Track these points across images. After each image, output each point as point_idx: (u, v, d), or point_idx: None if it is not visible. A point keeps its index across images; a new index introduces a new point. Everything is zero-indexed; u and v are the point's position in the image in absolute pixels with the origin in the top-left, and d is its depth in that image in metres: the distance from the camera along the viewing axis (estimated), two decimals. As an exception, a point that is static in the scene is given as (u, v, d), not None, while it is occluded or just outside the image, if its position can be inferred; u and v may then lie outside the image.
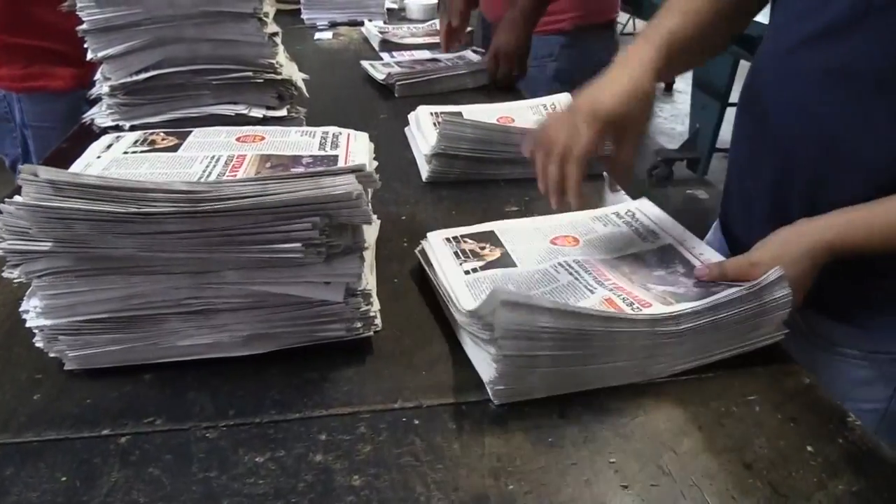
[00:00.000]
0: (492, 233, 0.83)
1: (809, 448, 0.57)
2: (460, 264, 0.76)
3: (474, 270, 0.75)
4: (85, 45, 0.99)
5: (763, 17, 0.86)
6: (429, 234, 0.82)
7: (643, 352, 0.62)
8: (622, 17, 2.58)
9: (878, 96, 0.69)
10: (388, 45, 1.87)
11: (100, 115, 1.03)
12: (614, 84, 0.72)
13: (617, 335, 0.60)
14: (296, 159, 0.68)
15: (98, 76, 1.03)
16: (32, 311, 0.62)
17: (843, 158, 0.73)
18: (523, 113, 1.23)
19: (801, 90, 0.75)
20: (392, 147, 1.20)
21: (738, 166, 0.91)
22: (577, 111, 0.71)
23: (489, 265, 0.76)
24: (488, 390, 0.62)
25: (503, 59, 1.58)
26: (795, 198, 0.78)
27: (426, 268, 0.79)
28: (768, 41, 0.82)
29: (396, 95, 1.51)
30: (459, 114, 1.21)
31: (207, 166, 0.66)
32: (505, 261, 0.77)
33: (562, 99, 1.25)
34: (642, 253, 0.79)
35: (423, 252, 0.81)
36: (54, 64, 0.93)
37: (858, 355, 0.80)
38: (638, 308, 0.64)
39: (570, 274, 0.73)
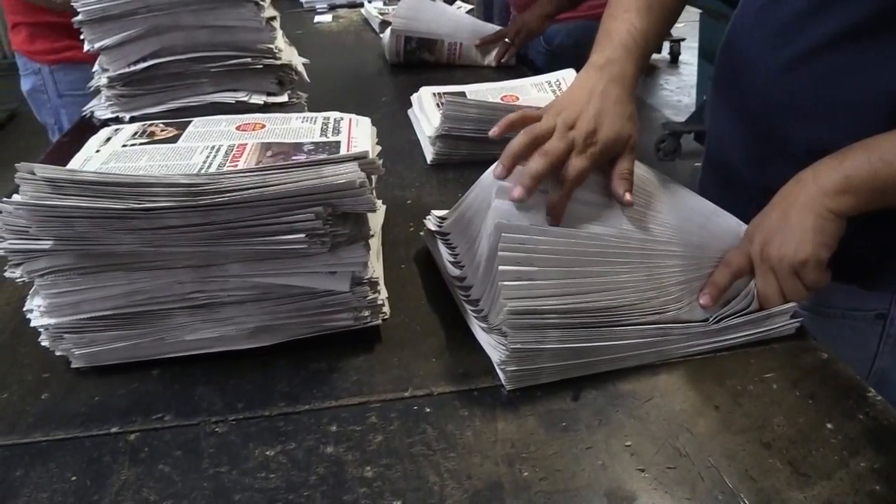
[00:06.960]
0: None
1: (829, 425, 0.56)
2: None
3: None
4: (81, 37, 0.98)
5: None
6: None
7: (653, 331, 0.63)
8: None
9: (841, 43, 0.70)
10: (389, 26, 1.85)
11: (99, 108, 1.02)
12: (617, 106, 0.69)
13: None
14: (297, 147, 0.67)
15: (96, 67, 1.02)
16: (36, 310, 0.61)
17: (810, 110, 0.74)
18: (528, 91, 1.22)
19: (767, 43, 0.78)
20: (395, 129, 1.19)
21: (714, 133, 0.92)
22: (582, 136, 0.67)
23: None
24: (499, 374, 0.61)
25: (524, 35, 1.57)
26: (773, 154, 0.79)
27: (433, 251, 0.77)
28: (741, 6, 0.85)
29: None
30: (463, 94, 1.20)
31: (208, 157, 0.65)
32: None
33: (566, 76, 1.24)
34: None
35: (428, 235, 0.80)
36: (79, 37, 0.97)
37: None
38: None
39: None
